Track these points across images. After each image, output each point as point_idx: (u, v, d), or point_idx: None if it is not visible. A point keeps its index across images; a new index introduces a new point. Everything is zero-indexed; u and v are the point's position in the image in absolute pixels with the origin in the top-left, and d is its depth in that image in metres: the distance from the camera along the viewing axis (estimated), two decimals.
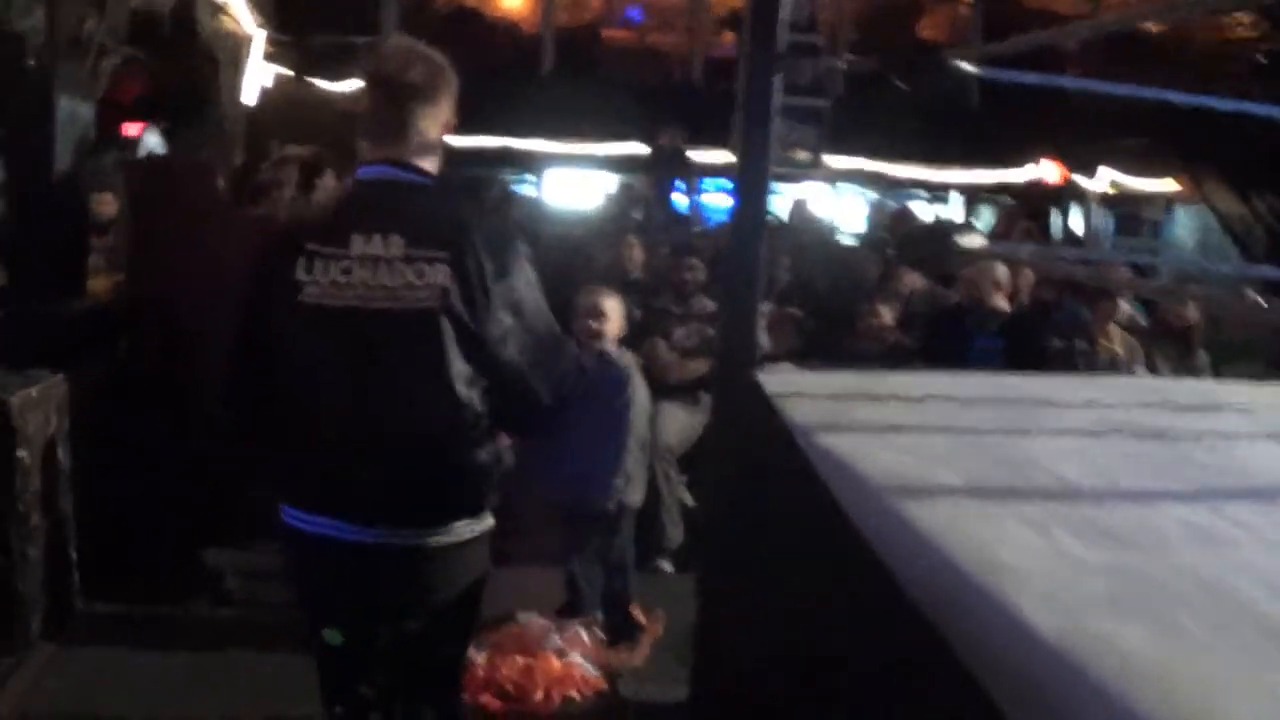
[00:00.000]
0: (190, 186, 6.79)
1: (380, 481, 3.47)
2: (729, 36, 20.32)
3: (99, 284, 7.66)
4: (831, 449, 2.53)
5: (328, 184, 11.28)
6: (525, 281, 3.64)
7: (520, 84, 17.73)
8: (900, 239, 10.79)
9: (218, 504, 6.70)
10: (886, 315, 8.72)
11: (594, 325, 6.34)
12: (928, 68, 17.05)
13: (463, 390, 3.48)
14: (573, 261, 10.98)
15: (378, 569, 3.53)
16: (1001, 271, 8.37)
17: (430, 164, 3.69)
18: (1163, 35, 17.59)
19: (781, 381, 3.58)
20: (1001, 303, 8.33)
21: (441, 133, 3.73)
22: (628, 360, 6.59)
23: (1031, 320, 8.75)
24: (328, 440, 3.51)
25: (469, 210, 3.82)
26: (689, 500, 8.14)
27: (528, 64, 19.27)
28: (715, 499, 4.31)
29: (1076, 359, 8.47)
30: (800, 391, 3.29)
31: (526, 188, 18.08)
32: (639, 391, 6.56)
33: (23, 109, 6.75)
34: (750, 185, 3.88)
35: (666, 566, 7.85)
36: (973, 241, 11.75)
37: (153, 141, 12.56)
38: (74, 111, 7.00)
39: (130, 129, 13.76)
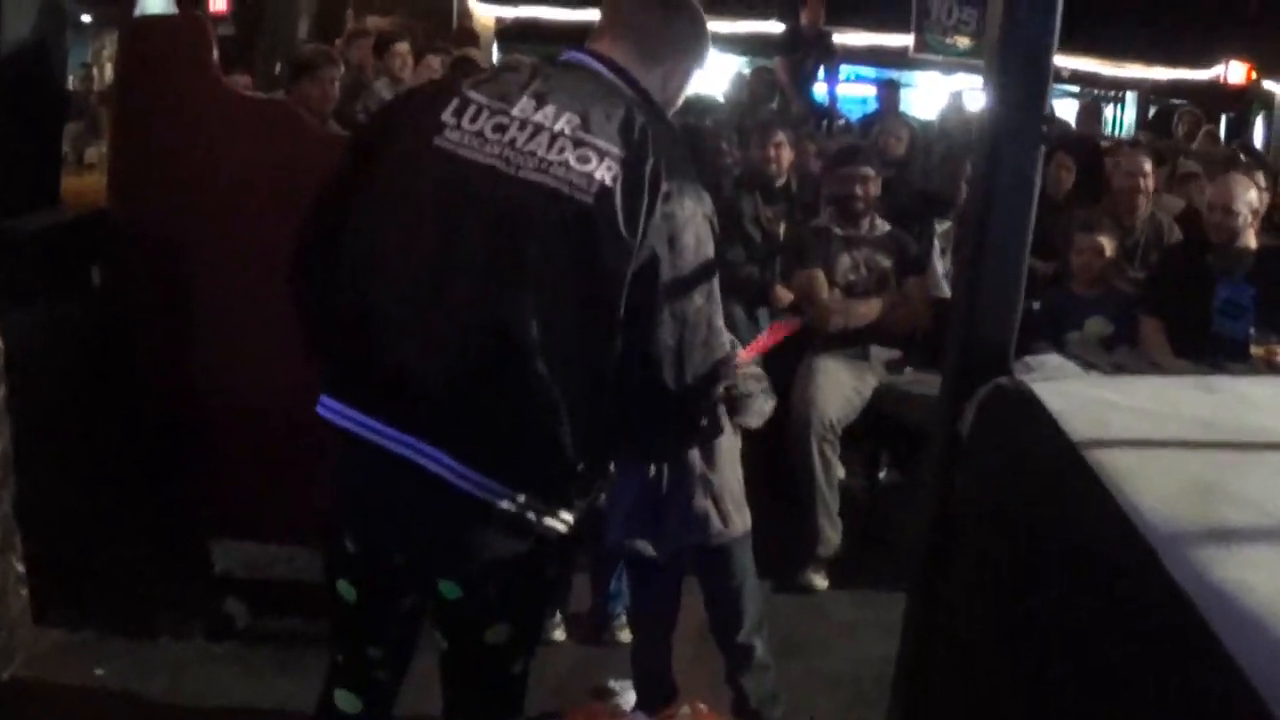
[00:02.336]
0: (177, 53, 5.13)
1: (463, 390, 2.91)
2: None
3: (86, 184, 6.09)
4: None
5: (401, 59, 10.03)
6: (694, 228, 2.98)
7: None
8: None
9: (220, 490, 5.31)
10: (1108, 248, 6.86)
11: None
12: None
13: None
14: (699, 158, 9.37)
15: (419, 499, 2.97)
16: (1253, 195, 6.60)
17: (646, 79, 3.20)
18: None
19: (1073, 398, 2.72)
20: (1250, 238, 6.57)
21: (669, 74, 3.27)
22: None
23: None
24: (407, 315, 2.95)
25: (663, 128, 3.16)
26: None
27: None
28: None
29: None
30: (1105, 426, 2.54)
31: None
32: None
33: None
34: (1020, 77, 2.93)
35: (819, 582, 6.12)
36: None
37: (155, 5, 10.99)
38: None
39: (216, 2, 12.51)
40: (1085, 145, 10.09)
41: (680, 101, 3.37)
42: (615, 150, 2.93)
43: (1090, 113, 13.62)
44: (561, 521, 3.04)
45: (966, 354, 2.94)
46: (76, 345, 5.31)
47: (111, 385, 5.33)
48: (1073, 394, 2.71)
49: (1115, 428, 2.48)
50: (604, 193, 2.87)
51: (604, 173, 2.90)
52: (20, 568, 4.97)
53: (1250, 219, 6.48)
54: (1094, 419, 2.52)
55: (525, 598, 3.20)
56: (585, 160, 2.92)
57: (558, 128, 2.96)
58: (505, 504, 2.94)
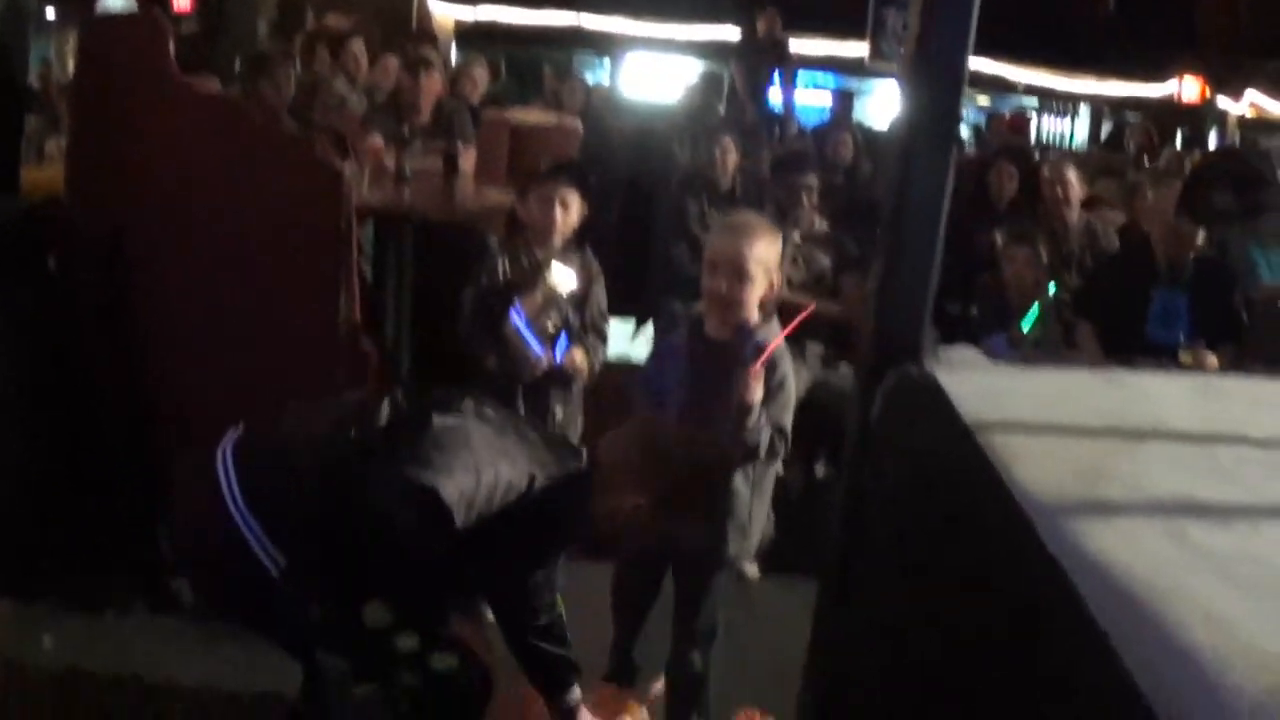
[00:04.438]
0: (135, 50, 5.14)
1: None
2: None
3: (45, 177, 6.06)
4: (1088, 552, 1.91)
5: (355, 58, 10.07)
6: None
7: None
8: (1197, 172, 8.07)
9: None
10: (1040, 256, 6.99)
11: (733, 288, 4.48)
12: None
13: None
14: (650, 162, 9.77)
15: None
16: None
17: None
18: None
19: (973, 385, 2.75)
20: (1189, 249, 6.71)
21: None
22: (778, 342, 4.61)
23: (1219, 267, 6.90)
24: None
25: None
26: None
27: None
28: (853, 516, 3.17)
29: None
30: (1000, 411, 2.56)
31: (599, 74, 16.46)
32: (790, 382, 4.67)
33: None
34: (933, 86, 2.86)
35: (751, 571, 6.27)
36: None
37: (116, 4, 10.98)
38: None
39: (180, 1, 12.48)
40: (1026, 155, 10.19)
41: None
42: None
43: (1017, 124, 13.69)
44: None
45: (878, 345, 3.01)
46: (31, 329, 5.32)
47: (64, 369, 5.33)
48: (974, 382, 2.74)
49: (1011, 413, 2.51)
50: None
51: None
52: None
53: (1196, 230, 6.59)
54: (991, 405, 2.54)
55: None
56: None
57: None
58: None
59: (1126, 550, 1.90)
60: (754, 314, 4.51)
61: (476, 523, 3.36)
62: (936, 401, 2.63)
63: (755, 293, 4.45)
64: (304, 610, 3.36)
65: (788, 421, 4.36)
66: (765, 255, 4.44)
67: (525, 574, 3.82)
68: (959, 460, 2.44)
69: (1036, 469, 2.22)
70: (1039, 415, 2.58)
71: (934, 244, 2.95)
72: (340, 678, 3.70)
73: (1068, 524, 2.01)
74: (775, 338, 4.51)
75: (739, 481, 4.51)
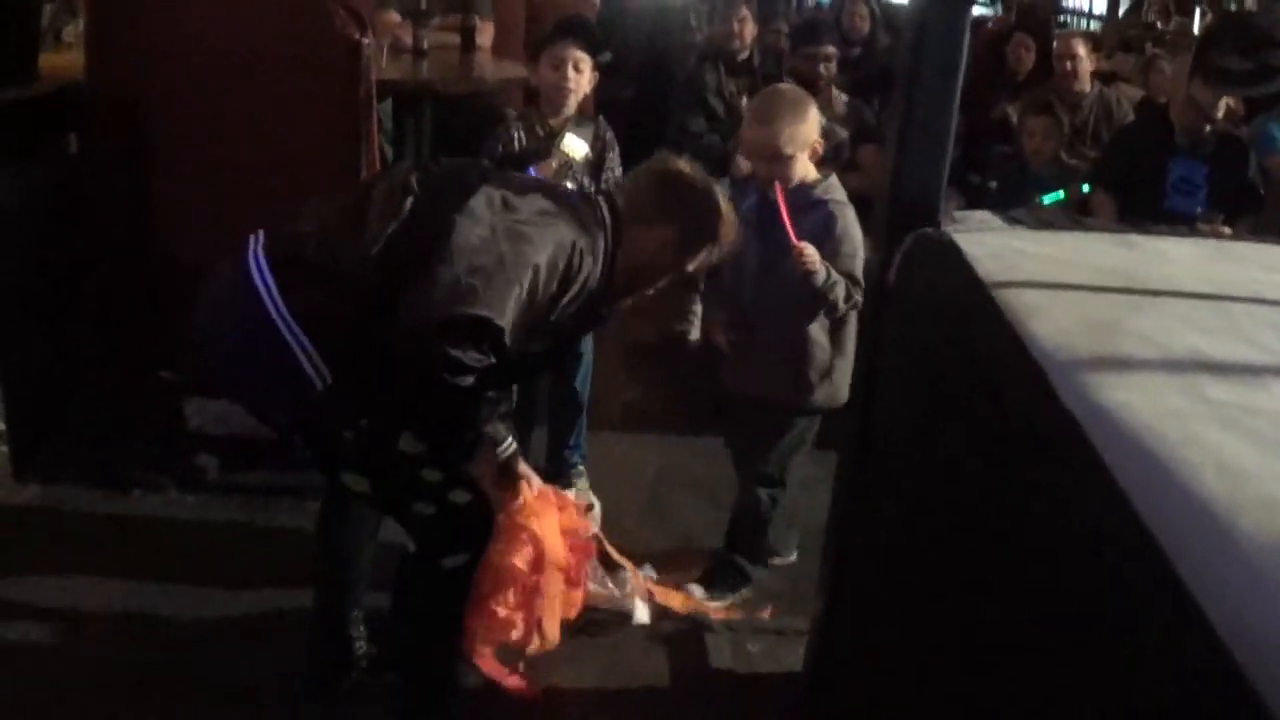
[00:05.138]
0: None
1: None
2: None
3: (64, 61, 6.05)
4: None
5: None
6: None
7: None
8: (1205, 36, 7.91)
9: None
10: (1059, 126, 6.99)
11: (773, 170, 4.54)
12: None
13: None
14: (669, 32, 9.85)
15: None
16: None
17: None
18: None
19: (990, 246, 2.80)
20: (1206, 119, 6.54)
21: None
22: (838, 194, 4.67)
23: (1236, 140, 6.83)
24: None
25: None
26: None
27: None
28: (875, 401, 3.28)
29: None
30: (1016, 270, 2.59)
31: None
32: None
33: None
34: None
35: None
36: None
37: None
38: None
39: None
40: (1044, 27, 10.10)
41: None
42: None
43: None
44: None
45: (895, 207, 3.02)
46: (54, 208, 5.35)
47: (88, 248, 5.35)
48: (990, 243, 2.78)
49: (1026, 272, 2.53)
50: None
51: None
52: (1, 425, 5.06)
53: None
54: (1007, 264, 2.57)
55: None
56: None
57: None
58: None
59: (1139, 403, 1.93)
60: (809, 173, 4.56)
61: (523, 334, 3.44)
62: (953, 260, 2.67)
63: (799, 163, 4.48)
64: (340, 428, 3.43)
65: (858, 268, 4.36)
66: (797, 131, 4.46)
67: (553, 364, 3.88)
68: (975, 316, 2.48)
69: (1051, 324, 2.26)
70: (1053, 274, 2.61)
71: (950, 108, 2.97)
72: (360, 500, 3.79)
73: (1081, 377, 2.04)
74: (834, 189, 4.58)
75: (816, 330, 4.59)
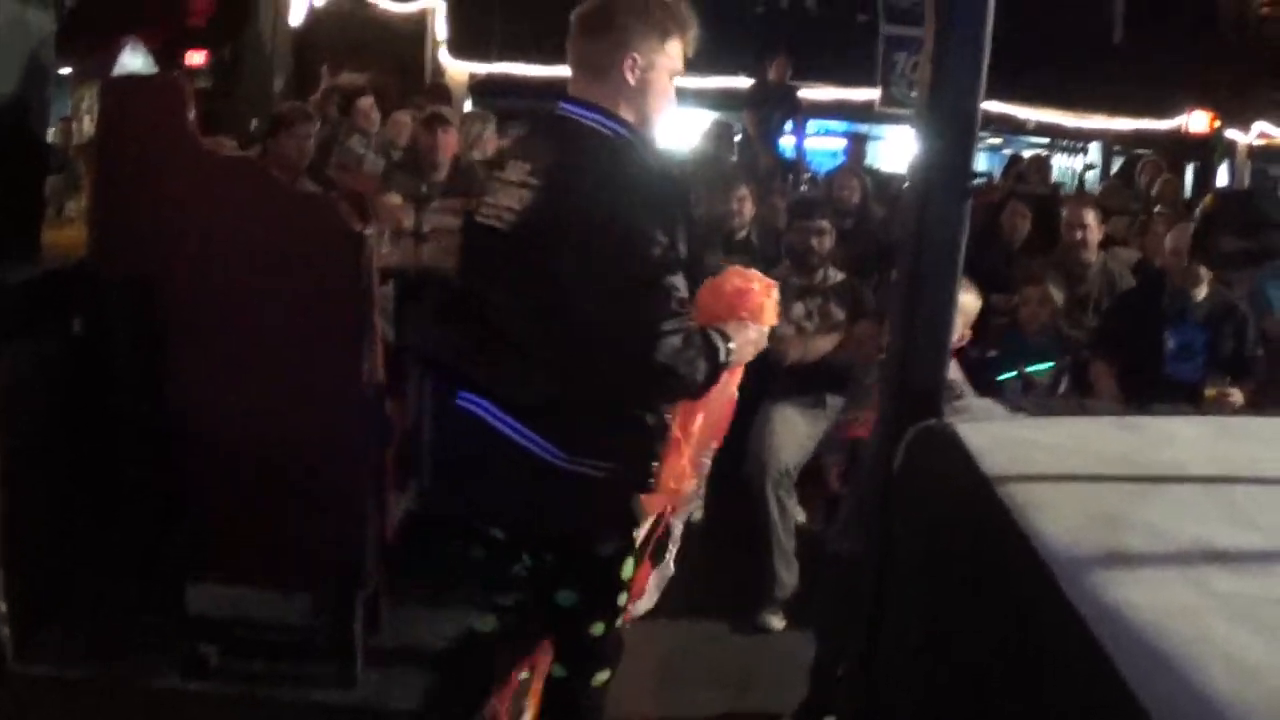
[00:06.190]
0: (155, 114, 5.15)
1: None
2: None
3: (65, 236, 6.07)
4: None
5: (365, 114, 10.12)
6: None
7: None
8: (1206, 216, 8.14)
9: (195, 533, 5.22)
10: (1056, 296, 6.98)
11: None
12: None
13: None
14: None
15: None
16: None
17: (604, 93, 3.69)
18: None
19: (993, 437, 2.76)
20: (1205, 284, 6.68)
21: (626, 72, 3.68)
22: None
23: (1233, 304, 6.87)
24: None
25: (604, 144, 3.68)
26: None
27: None
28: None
29: None
30: (1020, 462, 2.55)
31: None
32: None
33: None
34: (947, 130, 2.96)
35: (776, 622, 6.28)
36: None
37: (135, 62, 11.00)
38: (19, 17, 5.40)
39: (194, 57, 12.49)
40: (1039, 195, 10.19)
41: (668, 79, 3.74)
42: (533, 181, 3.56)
43: (1039, 165, 13.71)
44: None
45: (898, 399, 3.03)
46: (59, 388, 5.30)
47: (91, 427, 5.30)
48: (993, 433, 2.76)
49: (1030, 463, 2.52)
50: (515, 216, 3.56)
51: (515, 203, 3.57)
52: (3, 605, 4.97)
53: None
54: (1010, 456, 2.56)
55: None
56: (510, 196, 3.59)
57: (515, 178, 3.62)
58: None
59: (1147, 599, 1.91)
60: None
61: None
62: (957, 454, 2.65)
63: None
64: (602, 538, 3.72)
65: None
66: None
67: None
68: (980, 512, 2.45)
69: (1055, 519, 2.23)
70: (1057, 464, 2.59)
71: (952, 298, 2.98)
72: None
73: (1087, 574, 2.02)
74: None
75: None
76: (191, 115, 5.14)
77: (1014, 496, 2.37)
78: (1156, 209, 11.11)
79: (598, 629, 3.76)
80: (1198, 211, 8.35)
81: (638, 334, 3.43)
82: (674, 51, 3.75)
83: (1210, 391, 6.15)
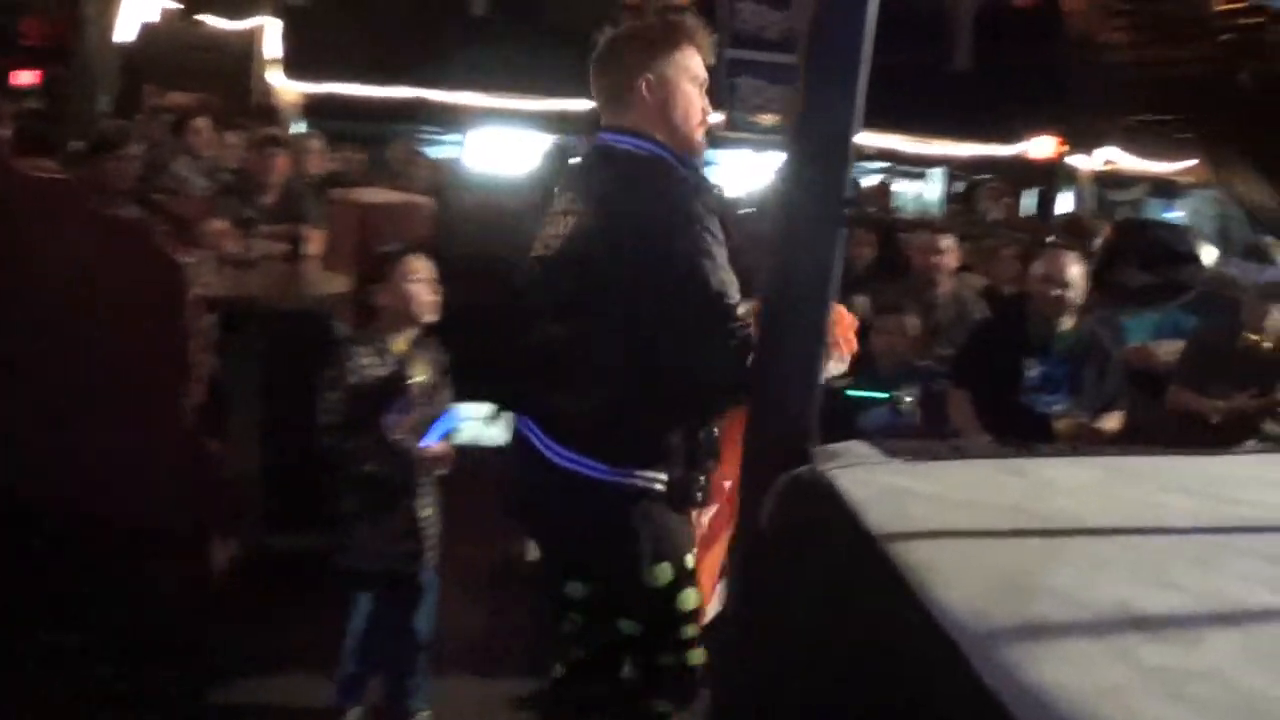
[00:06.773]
0: None
1: None
2: None
3: None
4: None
5: (200, 135, 9.76)
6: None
7: (446, 28, 16.24)
8: (1108, 247, 8.09)
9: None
10: (911, 327, 6.81)
11: None
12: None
13: None
14: (501, 236, 9.31)
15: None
16: (1078, 270, 6.45)
17: (632, 119, 3.80)
18: None
19: (875, 489, 2.54)
20: (1069, 314, 6.49)
21: (647, 94, 3.79)
22: None
23: (1094, 336, 6.72)
24: None
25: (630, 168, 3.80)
26: None
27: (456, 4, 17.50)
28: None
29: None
30: (907, 517, 2.37)
31: (447, 148, 16.26)
32: None
33: None
34: (817, 160, 2.76)
35: None
36: (1210, 255, 8.36)
37: None
38: None
39: (23, 76, 12.15)
40: (881, 221, 10.13)
41: (689, 86, 3.82)
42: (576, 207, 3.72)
43: (881, 190, 13.73)
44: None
45: (763, 443, 2.80)
46: None
47: None
48: (874, 483, 2.55)
49: (917, 518, 2.34)
50: (561, 243, 3.70)
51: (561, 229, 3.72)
52: None
53: (1076, 295, 6.45)
54: (894, 510, 2.37)
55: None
56: (556, 224, 3.75)
57: (561, 208, 3.79)
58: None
59: (1070, 677, 1.74)
60: None
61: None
62: (834, 507, 2.44)
63: None
64: (645, 562, 3.71)
65: None
66: None
67: None
68: (863, 573, 2.26)
69: (958, 587, 2.04)
70: (948, 519, 2.40)
71: (823, 335, 2.76)
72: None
73: (1003, 651, 1.83)
74: None
75: None
76: (8, 134, 4.91)
77: (904, 556, 2.17)
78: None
79: (666, 659, 3.83)
80: (1098, 243, 8.21)
81: (705, 350, 3.52)
82: (687, 60, 3.83)
83: (1063, 425, 6.04)
